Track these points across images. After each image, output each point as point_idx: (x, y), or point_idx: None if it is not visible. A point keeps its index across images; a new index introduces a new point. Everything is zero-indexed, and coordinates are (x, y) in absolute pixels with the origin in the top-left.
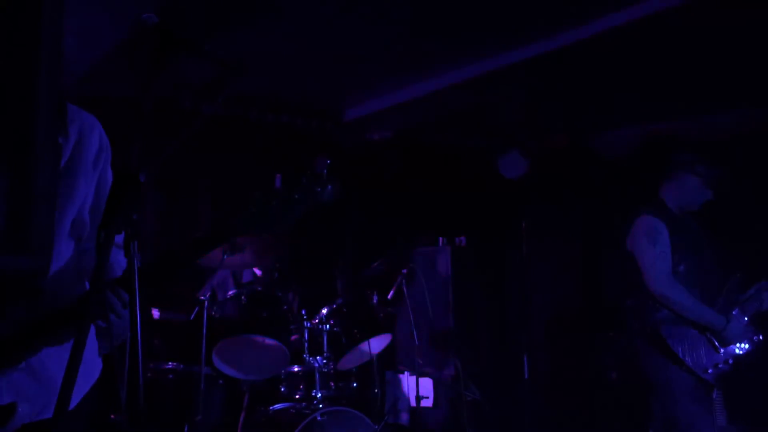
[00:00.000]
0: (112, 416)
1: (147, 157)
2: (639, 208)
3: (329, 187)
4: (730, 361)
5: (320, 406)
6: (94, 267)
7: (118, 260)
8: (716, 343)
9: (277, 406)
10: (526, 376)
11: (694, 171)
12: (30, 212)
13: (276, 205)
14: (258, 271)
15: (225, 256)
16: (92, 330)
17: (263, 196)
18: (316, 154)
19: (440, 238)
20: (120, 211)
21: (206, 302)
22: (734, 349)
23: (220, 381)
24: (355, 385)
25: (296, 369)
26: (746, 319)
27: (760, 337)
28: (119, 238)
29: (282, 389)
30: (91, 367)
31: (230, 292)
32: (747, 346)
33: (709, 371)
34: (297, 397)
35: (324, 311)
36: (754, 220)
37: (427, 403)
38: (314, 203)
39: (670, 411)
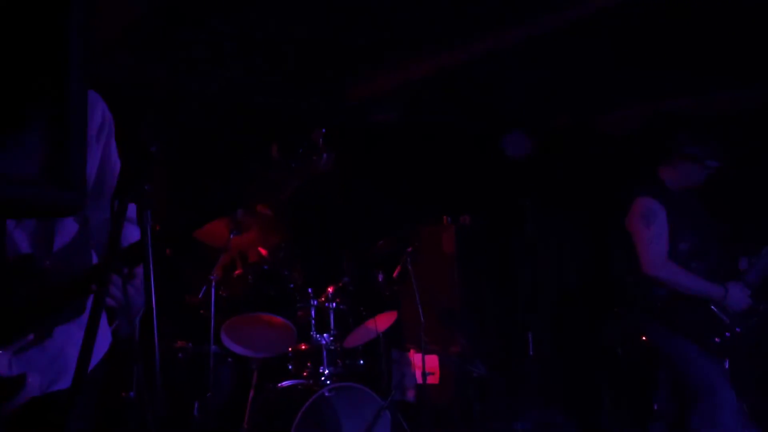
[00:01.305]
0: (123, 394)
1: (156, 132)
2: (637, 188)
3: (325, 156)
4: (737, 329)
5: (328, 382)
6: (108, 238)
7: (129, 234)
8: (720, 314)
9: (285, 383)
10: (531, 353)
11: (693, 157)
12: (68, 150)
13: (273, 174)
14: (263, 251)
15: (231, 236)
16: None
17: (260, 166)
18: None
19: (445, 217)
20: (133, 181)
21: (214, 282)
22: (739, 317)
23: (229, 359)
24: (361, 362)
25: (303, 347)
26: (750, 286)
27: (763, 307)
28: (132, 212)
29: (290, 367)
30: (101, 338)
31: (237, 272)
32: (752, 315)
33: (716, 340)
34: (304, 374)
35: (330, 289)
36: (753, 195)
37: (433, 379)
38: (311, 173)
39: (683, 375)
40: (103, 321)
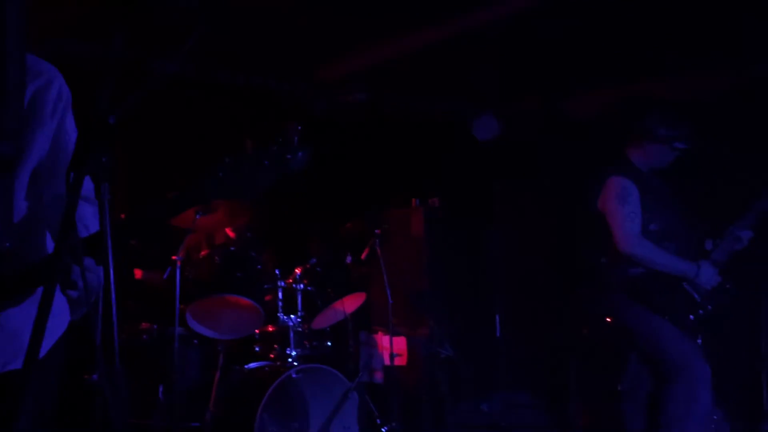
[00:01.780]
0: (86, 376)
1: (115, 108)
2: (609, 169)
3: (300, 154)
4: (709, 307)
5: (295, 364)
6: (63, 214)
7: (84, 214)
8: (693, 292)
9: (252, 364)
10: (498, 334)
11: (662, 139)
12: (4, 101)
13: (246, 170)
14: (230, 233)
15: (197, 216)
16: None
17: (233, 161)
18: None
19: (414, 200)
20: (89, 152)
21: (179, 263)
22: (709, 295)
23: (195, 341)
24: (329, 344)
25: (270, 328)
26: (718, 265)
27: (729, 286)
28: (88, 191)
29: (256, 348)
30: (60, 317)
31: (203, 253)
32: (721, 293)
33: (691, 317)
34: (271, 356)
35: (298, 271)
36: (717, 176)
37: (400, 361)
38: (284, 171)
39: (658, 353)
40: (62, 300)
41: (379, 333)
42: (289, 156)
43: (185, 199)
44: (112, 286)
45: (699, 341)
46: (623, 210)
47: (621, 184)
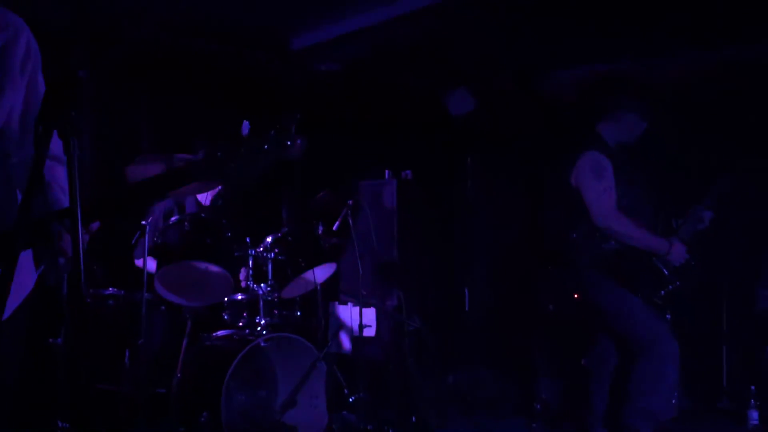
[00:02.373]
0: (51, 340)
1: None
2: (582, 144)
3: (298, 142)
4: (678, 283)
5: (264, 332)
6: (31, 168)
7: (58, 175)
8: (662, 268)
9: (220, 332)
10: (467, 308)
11: (631, 107)
12: None
13: (244, 154)
14: (202, 199)
15: None
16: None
17: (231, 143)
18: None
19: (386, 172)
20: (57, 106)
21: (148, 227)
22: (677, 272)
23: (162, 307)
24: (299, 313)
25: (240, 297)
26: (685, 242)
27: (694, 263)
28: (57, 150)
29: (225, 316)
30: (26, 278)
31: (173, 218)
32: (688, 269)
33: (661, 293)
34: (240, 324)
35: (269, 239)
36: (683, 154)
37: (369, 332)
38: (281, 157)
39: (628, 328)
40: (28, 262)
41: (349, 304)
42: (288, 143)
43: (179, 177)
44: (80, 247)
45: (668, 317)
46: (599, 184)
47: (596, 159)
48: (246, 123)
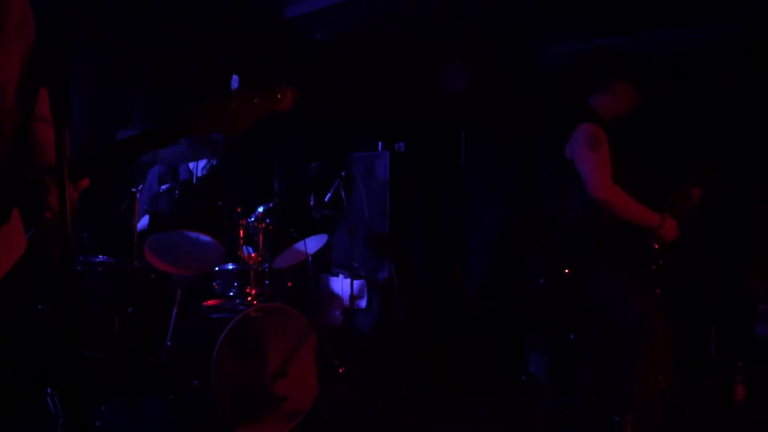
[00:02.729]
0: (40, 306)
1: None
2: (577, 117)
3: (288, 95)
4: (668, 258)
5: (254, 302)
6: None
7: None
8: (653, 243)
9: (211, 301)
10: (458, 282)
11: (625, 79)
12: None
13: (234, 106)
14: (193, 167)
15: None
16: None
17: (221, 96)
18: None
19: (379, 143)
20: (44, 63)
21: (138, 195)
22: (668, 247)
23: (152, 276)
24: (289, 284)
25: (230, 266)
26: (675, 218)
27: (682, 239)
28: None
29: (215, 286)
30: (16, 241)
31: (164, 186)
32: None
33: (654, 268)
34: (231, 294)
35: (260, 209)
36: (675, 130)
37: (360, 304)
38: (271, 109)
39: (621, 308)
40: (17, 224)
41: (340, 276)
42: (278, 95)
43: (173, 130)
44: (67, 212)
45: (657, 291)
46: (595, 156)
47: (591, 131)
48: (235, 77)
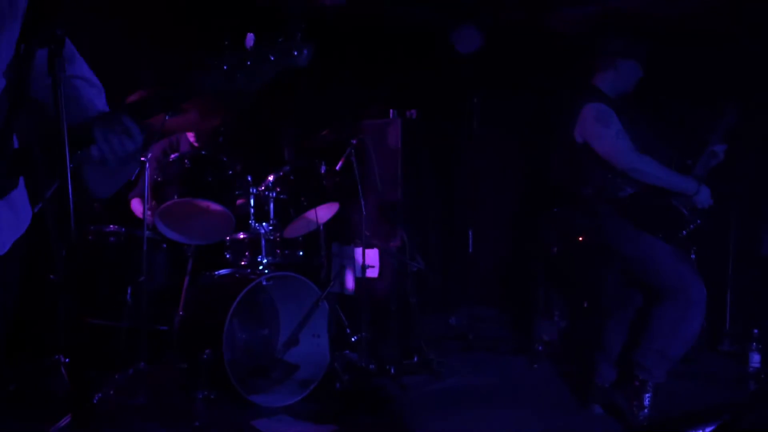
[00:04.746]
0: (52, 276)
1: None
2: (580, 99)
3: (305, 51)
4: (699, 222)
5: (266, 272)
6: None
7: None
8: (682, 209)
9: (222, 271)
10: (471, 250)
11: (629, 54)
12: None
13: (250, 64)
14: (192, 139)
15: (167, 117)
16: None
17: (237, 54)
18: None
19: (391, 111)
20: (40, 23)
21: (147, 164)
22: (696, 212)
23: (164, 245)
24: (301, 253)
25: (242, 236)
26: (703, 180)
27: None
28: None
29: (227, 255)
30: (23, 212)
31: (173, 156)
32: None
33: (683, 233)
34: (242, 263)
35: (271, 178)
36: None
37: (372, 272)
38: (288, 66)
39: (657, 277)
40: (23, 196)
41: (352, 244)
42: (295, 52)
43: (188, 88)
44: (69, 182)
45: (693, 256)
46: (610, 130)
47: (598, 108)
48: (250, 35)
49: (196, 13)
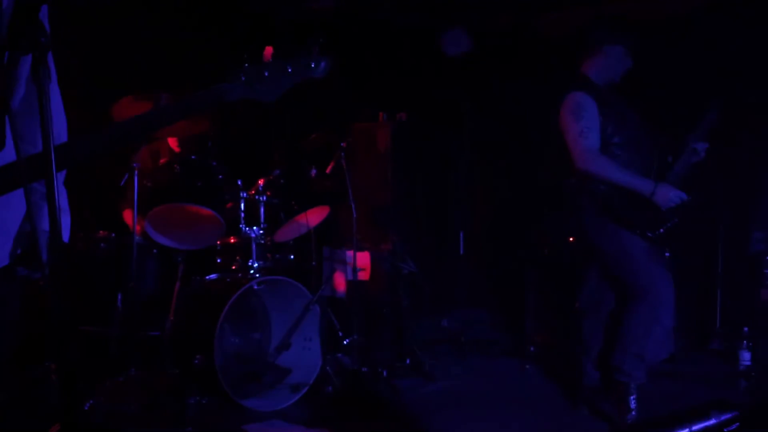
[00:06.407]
0: (41, 283)
1: None
2: (568, 86)
3: (322, 64)
4: (676, 220)
5: (257, 276)
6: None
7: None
8: (660, 206)
9: (213, 275)
10: (462, 252)
11: (616, 41)
12: None
13: (268, 76)
14: (173, 145)
15: None
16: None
17: (256, 68)
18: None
19: (381, 114)
20: (23, 30)
21: (137, 170)
22: (672, 210)
23: (154, 251)
24: (292, 257)
25: (232, 240)
26: (679, 178)
27: (690, 200)
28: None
29: (218, 260)
30: (15, 215)
31: (162, 160)
32: (684, 207)
33: (660, 231)
34: (233, 268)
35: (261, 182)
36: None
37: (363, 276)
38: (305, 77)
39: (626, 275)
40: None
41: (343, 247)
42: (312, 64)
43: (206, 99)
44: (54, 186)
45: (667, 254)
46: (577, 126)
47: (575, 99)
48: (269, 48)
49: (189, 23)
